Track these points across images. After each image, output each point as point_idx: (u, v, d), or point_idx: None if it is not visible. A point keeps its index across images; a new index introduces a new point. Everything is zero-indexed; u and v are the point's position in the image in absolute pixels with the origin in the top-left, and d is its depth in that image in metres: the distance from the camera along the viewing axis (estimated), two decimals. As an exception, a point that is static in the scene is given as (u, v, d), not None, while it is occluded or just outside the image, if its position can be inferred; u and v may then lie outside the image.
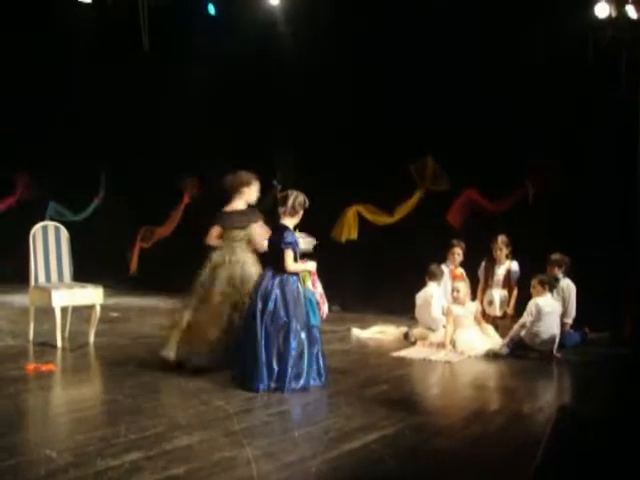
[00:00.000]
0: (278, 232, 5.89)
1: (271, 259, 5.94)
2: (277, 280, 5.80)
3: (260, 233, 6.43)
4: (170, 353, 6.27)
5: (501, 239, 8.37)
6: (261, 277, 5.94)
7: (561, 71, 8.51)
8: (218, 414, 4.95)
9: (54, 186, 12.46)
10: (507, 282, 8.34)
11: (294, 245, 5.80)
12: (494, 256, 8.41)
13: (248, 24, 10.42)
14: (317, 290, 6.14)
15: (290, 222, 5.95)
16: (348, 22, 9.86)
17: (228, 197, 6.66)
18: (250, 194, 6.65)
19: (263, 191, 10.82)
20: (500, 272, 8.36)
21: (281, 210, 5.98)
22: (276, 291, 5.76)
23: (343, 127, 10.16)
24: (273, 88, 10.69)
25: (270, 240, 6.04)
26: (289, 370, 5.61)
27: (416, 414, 5.24)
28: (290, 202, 5.92)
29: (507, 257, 8.38)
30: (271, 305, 5.72)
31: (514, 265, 8.32)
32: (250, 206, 6.68)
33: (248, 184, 6.63)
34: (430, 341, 7.76)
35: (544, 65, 8.50)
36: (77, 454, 4.04)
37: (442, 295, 8.21)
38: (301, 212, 5.99)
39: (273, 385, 5.61)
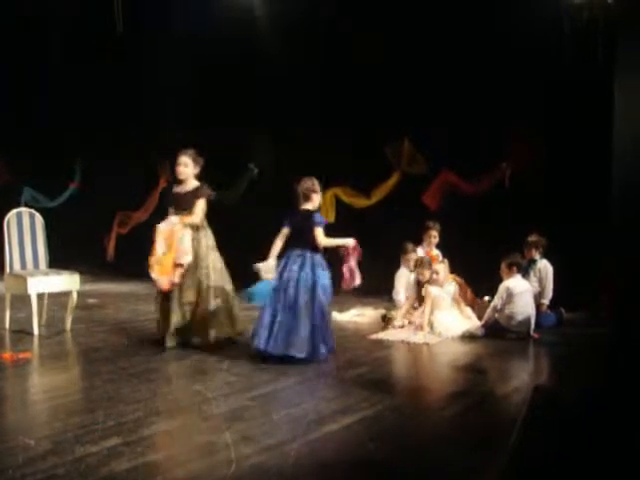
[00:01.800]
0: (302, 216, 6.35)
1: (297, 241, 6.33)
2: (300, 259, 6.25)
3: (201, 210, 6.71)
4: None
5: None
6: (287, 257, 6.33)
7: (537, 52, 8.53)
8: (197, 399, 4.94)
9: (29, 172, 12.35)
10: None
11: (323, 224, 6.33)
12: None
13: (225, 4, 10.38)
14: (348, 264, 6.50)
15: (309, 206, 6.41)
16: (327, 5, 9.83)
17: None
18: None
19: (240, 174, 10.87)
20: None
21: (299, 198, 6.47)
22: (305, 270, 6.21)
23: (321, 110, 10.14)
24: (251, 71, 10.64)
25: (292, 224, 6.40)
26: (328, 338, 6.30)
27: (395, 395, 5.26)
28: (298, 189, 6.44)
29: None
30: (294, 283, 6.17)
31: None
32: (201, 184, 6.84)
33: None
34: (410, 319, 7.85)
35: (520, 47, 8.51)
36: (55, 441, 4.02)
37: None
38: (314, 195, 6.41)
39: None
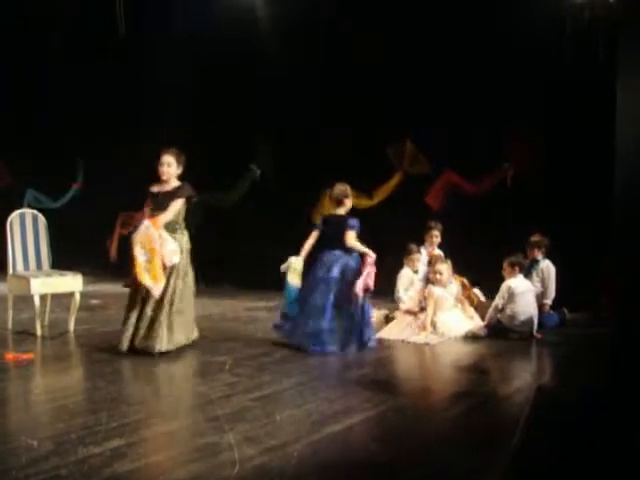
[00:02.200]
0: (336, 221, 6.84)
1: (332, 243, 6.77)
2: (338, 260, 6.73)
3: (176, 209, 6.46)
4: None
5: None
6: (323, 258, 6.77)
7: (539, 52, 8.52)
8: (199, 400, 4.94)
9: (31, 173, 12.35)
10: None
11: (356, 228, 6.76)
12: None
13: (225, 4, 10.39)
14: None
15: (342, 211, 6.90)
16: (328, 6, 9.84)
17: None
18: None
19: (241, 175, 10.84)
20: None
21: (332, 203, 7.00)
22: (341, 267, 6.70)
23: (322, 110, 10.14)
24: (251, 71, 10.65)
25: (327, 229, 6.85)
26: (366, 330, 6.73)
27: (398, 396, 5.26)
28: (332, 194, 6.95)
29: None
30: (337, 276, 6.68)
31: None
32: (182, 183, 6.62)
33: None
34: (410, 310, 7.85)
35: (522, 47, 8.51)
36: (58, 442, 4.02)
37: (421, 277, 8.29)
38: (346, 200, 6.90)
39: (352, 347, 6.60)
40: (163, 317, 6.29)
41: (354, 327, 6.68)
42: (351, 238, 6.73)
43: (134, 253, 6.22)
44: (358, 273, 6.68)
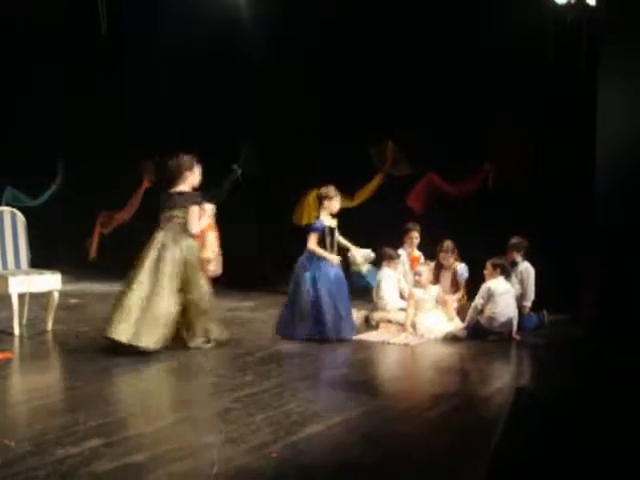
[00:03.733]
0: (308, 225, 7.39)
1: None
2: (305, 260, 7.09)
3: (195, 216, 6.51)
4: (117, 335, 6.23)
5: (447, 245, 8.28)
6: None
7: (521, 56, 8.57)
8: (180, 400, 4.93)
9: (10, 171, 12.26)
10: (455, 286, 8.32)
11: (315, 229, 7.02)
12: (441, 262, 8.30)
13: (211, 7, 10.35)
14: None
15: (322, 213, 7.15)
16: (311, 8, 9.84)
17: (171, 181, 6.71)
18: (194, 178, 6.71)
19: (224, 175, 10.84)
20: (448, 277, 8.30)
21: None
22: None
23: (305, 112, 10.14)
24: (237, 74, 10.63)
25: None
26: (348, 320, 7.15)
27: (377, 397, 5.26)
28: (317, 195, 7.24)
29: (456, 260, 8.32)
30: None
31: (460, 268, 8.26)
32: (195, 190, 6.73)
33: (191, 168, 6.67)
34: (388, 319, 7.81)
35: (505, 48, 8.55)
36: (36, 443, 3.99)
37: (401, 278, 8.27)
38: (325, 202, 7.09)
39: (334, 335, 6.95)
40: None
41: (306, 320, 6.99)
42: (310, 240, 7.01)
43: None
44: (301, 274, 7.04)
